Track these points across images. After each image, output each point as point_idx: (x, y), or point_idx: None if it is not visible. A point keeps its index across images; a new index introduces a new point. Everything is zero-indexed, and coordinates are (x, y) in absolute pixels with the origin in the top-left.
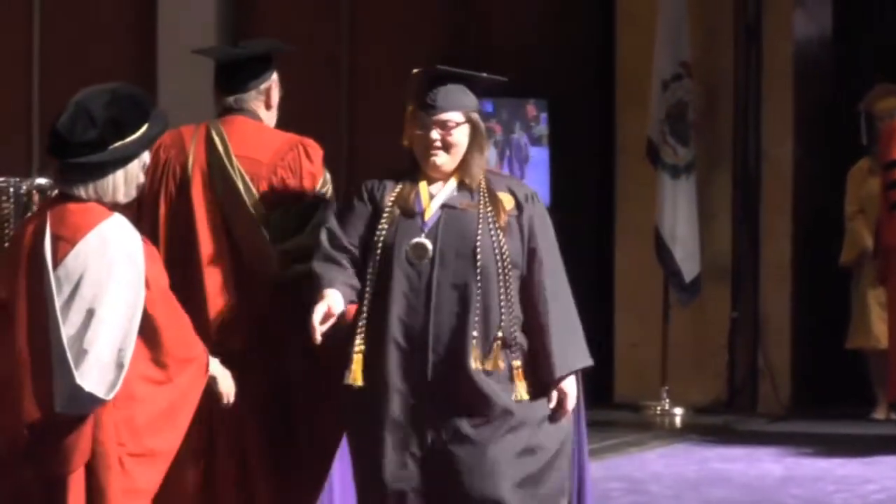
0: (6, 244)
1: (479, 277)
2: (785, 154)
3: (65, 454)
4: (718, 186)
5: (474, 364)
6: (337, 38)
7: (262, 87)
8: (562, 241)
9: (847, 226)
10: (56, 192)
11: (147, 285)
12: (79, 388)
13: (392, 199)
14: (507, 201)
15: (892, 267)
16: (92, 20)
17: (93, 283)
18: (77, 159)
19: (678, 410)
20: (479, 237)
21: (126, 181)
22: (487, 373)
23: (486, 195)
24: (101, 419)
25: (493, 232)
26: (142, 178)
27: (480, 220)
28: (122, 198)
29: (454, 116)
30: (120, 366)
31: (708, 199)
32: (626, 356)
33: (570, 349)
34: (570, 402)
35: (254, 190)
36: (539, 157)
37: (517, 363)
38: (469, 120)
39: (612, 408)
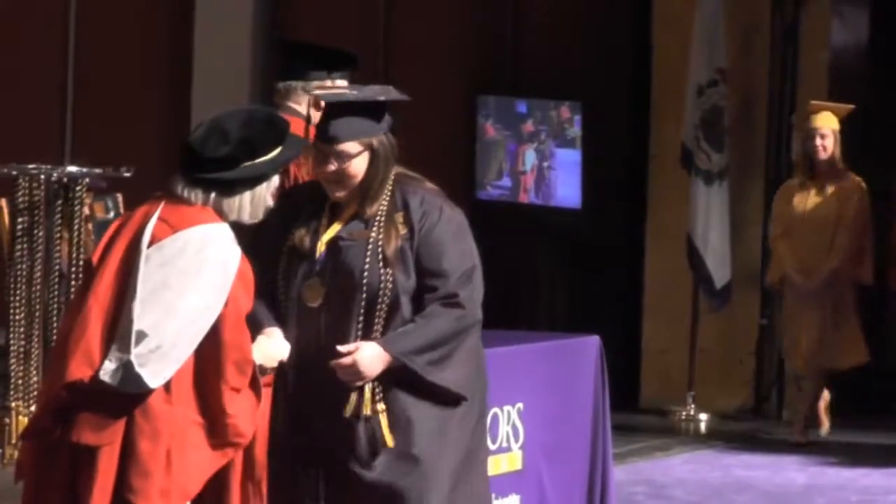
0: (37, 231)
1: (360, 318)
2: None
3: (96, 425)
4: (751, 193)
5: (346, 412)
6: (374, 33)
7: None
8: (592, 243)
9: (772, 246)
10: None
11: (226, 303)
12: (129, 365)
13: (292, 230)
14: (402, 225)
15: None
16: (128, 7)
17: (181, 274)
18: (207, 174)
19: (704, 416)
20: (365, 272)
21: (253, 202)
22: (365, 419)
23: (381, 221)
24: (153, 408)
25: (381, 264)
26: (270, 201)
27: (369, 252)
28: (248, 218)
29: (349, 148)
30: (176, 360)
31: (740, 205)
32: (653, 361)
33: (408, 343)
34: (352, 363)
35: None
36: (571, 159)
37: (381, 406)
38: (368, 146)
39: (637, 412)
